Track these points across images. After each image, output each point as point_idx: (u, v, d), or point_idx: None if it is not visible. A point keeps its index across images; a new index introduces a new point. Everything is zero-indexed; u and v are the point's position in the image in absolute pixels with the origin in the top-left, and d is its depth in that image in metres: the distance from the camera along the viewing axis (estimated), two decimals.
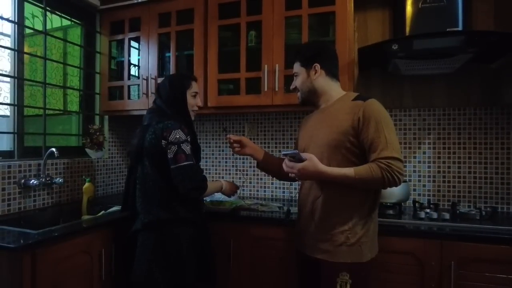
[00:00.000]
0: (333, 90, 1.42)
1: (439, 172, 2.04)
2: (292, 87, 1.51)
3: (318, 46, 1.48)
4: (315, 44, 1.56)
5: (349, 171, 1.23)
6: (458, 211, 1.77)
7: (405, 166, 2.05)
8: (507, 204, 1.92)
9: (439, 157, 2.04)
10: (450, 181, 2.02)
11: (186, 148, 1.50)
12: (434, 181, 2.04)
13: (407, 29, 1.86)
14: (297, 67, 1.46)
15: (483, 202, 1.94)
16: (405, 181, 1.79)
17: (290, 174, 1.31)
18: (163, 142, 1.48)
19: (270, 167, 1.64)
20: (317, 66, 1.40)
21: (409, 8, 1.85)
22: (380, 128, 1.24)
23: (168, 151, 1.48)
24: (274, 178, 1.91)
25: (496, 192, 1.94)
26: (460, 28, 1.75)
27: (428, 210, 1.74)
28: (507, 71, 1.82)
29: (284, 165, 1.31)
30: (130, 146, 1.66)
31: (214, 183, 1.71)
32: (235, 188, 1.82)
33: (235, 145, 1.63)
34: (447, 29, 1.70)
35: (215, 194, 2.06)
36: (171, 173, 1.47)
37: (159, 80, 2.22)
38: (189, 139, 1.53)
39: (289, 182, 2.33)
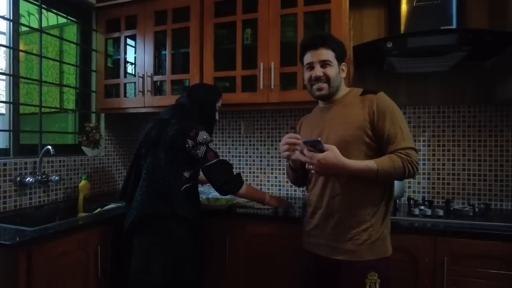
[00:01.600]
0: (343, 87, 1.41)
1: (433, 169, 2.05)
2: (319, 74, 1.32)
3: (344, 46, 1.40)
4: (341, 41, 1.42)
5: (371, 163, 1.18)
6: (452, 208, 1.79)
7: None
8: (500, 201, 1.94)
9: (433, 155, 2.06)
10: (444, 178, 2.04)
11: (213, 147, 1.62)
12: (428, 178, 2.06)
13: (402, 27, 1.87)
14: (331, 56, 1.32)
15: (477, 199, 1.96)
16: None
17: (307, 166, 1.23)
18: (190, 141, 1.55)
19: (298, 169, 1.45)
20: (345, 66, 1.40)
21: (404, 7, 1.86)
22: (394, 119, 1.24)
23: (198, 151, 1.56)
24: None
25: (490, 189, 1.96)
26: (454, 26, 1.76)
27: (422, 207, 1.76)
28: (500, 69, 1.83)
29: (301, 156, 1.22)
30: (144, 135, 1.71)
31: (259, 191, 1.80)
32: (286, 205, 1.85)
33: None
34: (441, 27, 1.71)
35: (211, 191, 2.08)
36: (203, 171, 1.58)
37: (155, 78, 2.23)
38: (212, 140, 1.65)
39: (287, 181, 2.34)
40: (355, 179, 1.23)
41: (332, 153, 1.16)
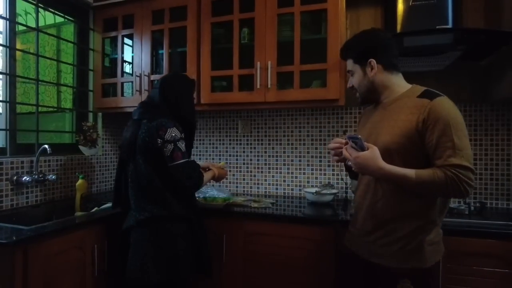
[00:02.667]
0: (395, 84, 1.27)
1: None
2: (349, 85, 1.35)
3: (370, 39, 1.29)
4: (366, 36, 1.31)
5: (410, 171, 1.11)
6: (448, 207, 1.80)
7: None
8: (495, 199, 1.95)
9: None
10: None
11: (182, 146, 1.53)
12: None
13: (398, 26, 1.88)
14: (350, 65, 1.32)
15: (473, 197, 1.96)
16: None
17: (347, 162, 1.22)
18: (159, 140, 1.49)
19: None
20: (373, 61, 1.25)
21: (400, 6, 1.86)
22: (448, 131, 1.09)
23: (165, 149, 1.49)
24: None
25: (486, 188, 1.97)
26: (450, 25, 1.76)
27: None
28: (495, 69, 1.84)
29: (344, 150, 1.21)
30: (122, 140, 1.67)
31: (207, 174, 1.72)
32: (224, 172, 1.85)
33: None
34: (437, 27, 1.72)
35: (209, 190, 2.09)
36: (169, 171, 1.50)
37: (153, 77, 2.23)
38: (183, 136, 1.55)
39: (284, 180, 2.35)
40: (395, 185, 1.17)
41: (370, 154, 1.14)
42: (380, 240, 1.23)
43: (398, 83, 1.28)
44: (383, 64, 1.25)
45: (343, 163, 1.38)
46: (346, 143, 1.24)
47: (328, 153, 1.33)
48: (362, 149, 1.15)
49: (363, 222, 1.29)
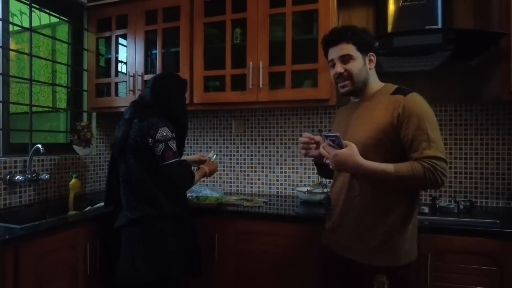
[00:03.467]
0: (373, 82, 1.31)
1: None
2: (340, 71, 1.26)
3: (370, 34, 1.30)
4: (365, 30, 1.30)
5: (388, 166, 1.13)
6: (437, 205, 1.82)
7: None
8: (485, 198, 1.97)
9: None
10: None
11: (173, 145, 1.53)
12: None
13: (389, 27, 1.89)
14: (351, 49, 1.25)
15: (463, 196, 1.98)
16: None
17: (324, 160, 1.21)
18: (150, 140, 1.50)
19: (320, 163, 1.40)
20: (373, 56, 1.28)
21: (391, 7, 1.88)
22: (422, 125, 1.14)
23: (156, 149, 1.50)
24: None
25: (475, 187, 1.98)
26: (439, 26, 1.78)
27: None
28: (484, 68, 1.86)
29: (321, 148, 1.21)
30: (113, 138, 1.68)
31: (198, 172, 1.73)
32: (215, 166, 1.85)
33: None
34: (426, 27, 1.74)
35: (202, 190, 2.10)
36: (160, 170, 1.50)
37: (146, 77, 2.24)
38: (174, 136, 1.55)
39: (277, 179, 2.36)
40: (371, 182, 1.20)
41: (349, 151, 1.15)
42: (356, 237, 1.25)
43: (375, 81, 1.32)
44: (376, 61, 1.31)
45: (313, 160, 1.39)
46: (316, 142, 1.28)
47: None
48: (340, 147, 1.17)
49: (340, 218, 1.31)
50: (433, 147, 1.13)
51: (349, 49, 1.25)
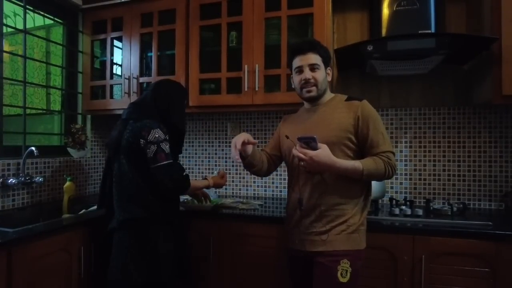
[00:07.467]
0: (328, 91, 1.49)
1: (415, 170, 2.10)
2: (308, 77, 1.39)
3: (328, 51, 1.47)
4: (325, 47, 1.47)
5: (357, 163, 1.28)
6: (431, 208, 1.84)
7: None
8: (478, 200, 1.99)
9: (415, 156, 2.10)
10: (425, 178, 2.08)
11: (166, 147, 1.51)
12: (410, 179, 2.11)
13: (383, 31, 1.92)
14: (318, 60, 1.40)
15: (457, 198, 2.01)
16: None
17: (299, 162, 1.27)
18: (142, 141, 1.48)
19: (256, 161, 1.50)
20: (330, 70, 1.47)
21: (385, 11, 1.90)
22: (377, 125, 1.35)
23: (148, 150, 1.48)
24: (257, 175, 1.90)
25: (469, 189, 2.01)
26: (432, 30, 1.81)
27: (403, 207, 1.80)
28: (477, 72, 1.89)
29: (294, 150, 1.28)
30: (109, 138, 1.66)
31: (200, 181, 1.72)
32: (223, 182, 1.79)
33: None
34: (419, 32, 1.76)
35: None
36: (152, 172, 1.48)
37: (141, 79, 2.23)
38: (167, 138, 1.54)
39: (272, 182, 2.37)
40: (338, 177, 1.32)
41: (324, 152, 1.25)
42: (322, 228, 1.34)
43: (329, 91, 1.49)
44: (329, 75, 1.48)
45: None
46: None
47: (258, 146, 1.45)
48: (315, 148, 1.24)
49: (305, 216, 1.38)
50: (386, 143, 1.34)
51: (317, 59, 1.40)
